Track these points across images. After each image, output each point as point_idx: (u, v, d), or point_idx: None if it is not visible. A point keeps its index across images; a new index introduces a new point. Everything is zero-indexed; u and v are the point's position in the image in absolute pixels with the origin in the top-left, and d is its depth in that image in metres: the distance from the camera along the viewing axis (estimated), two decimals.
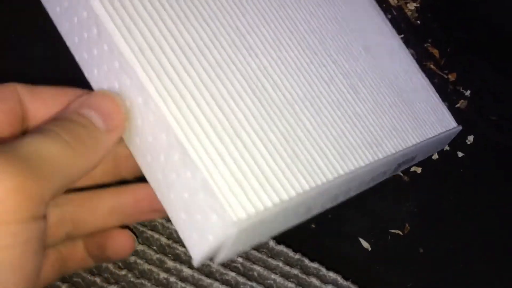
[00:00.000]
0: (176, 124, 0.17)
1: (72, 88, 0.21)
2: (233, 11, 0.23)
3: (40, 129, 0.16)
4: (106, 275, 0.26)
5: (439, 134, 0.31)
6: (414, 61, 0.35)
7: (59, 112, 0.19)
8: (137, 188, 0.22)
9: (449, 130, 0.32)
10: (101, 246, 0.22)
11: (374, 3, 0.35)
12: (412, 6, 0.36)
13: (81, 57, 0.19)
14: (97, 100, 0.18)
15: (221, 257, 0.17)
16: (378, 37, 0.33)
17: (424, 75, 0.35)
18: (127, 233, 0.22)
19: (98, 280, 0.26)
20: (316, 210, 0.22)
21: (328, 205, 0.23)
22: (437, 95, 0.34)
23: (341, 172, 0.22)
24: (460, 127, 0.34)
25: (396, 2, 0.36)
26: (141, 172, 0.19)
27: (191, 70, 0.19)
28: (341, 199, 0.24)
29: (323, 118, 0.23)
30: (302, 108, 0.23)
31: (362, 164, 0.23)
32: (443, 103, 0.34)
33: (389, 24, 0.35)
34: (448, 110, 0.34)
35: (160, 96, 0.17)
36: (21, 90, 0.20)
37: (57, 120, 0.17)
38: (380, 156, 0.25)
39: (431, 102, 0.33)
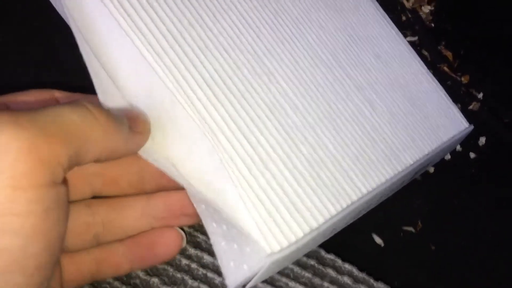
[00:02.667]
0: (221, 161, 0.17)
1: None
2: (249, 34, 0.24)
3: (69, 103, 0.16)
4: None
5: (453, 136, 0.32)
6: (423, 64, 0.35)
7: None
8: (169, 193, 0.22)
9: (462, 131, 0.33)
10: (150, 245, 0.22)
11: (380, 8, 0.35)
12: (426, 9, 0.37)
13: None
14: (127, 108, 0.18)
15: (252, 282, 0.18)
16: (386, 43, 0.33)
17: (433, 77, 0.35)
18: (176, 230, 0.22)
19: None
20: (339, 228, 0.23)
21: (351, 221, 0.23)
22: (448, 96, 0.35)
23: (364, 191, 0.22)
24: (472, 127, 0.34)
25: (411, 4, 0.37)
26: (166, 186, 0.20)
27: (218, 105, 0.19)
28: (363, 213, 0.24)
29: (343, 137, 0.24)
30: (323, 129, 0.23)
31: (383, 180, 0.24)
32: (454, 104, 0.35)
33: (396, 28, 0.35)
34: (459, 111, 0.35)
35: (191, 136, 0.18)
36: (59, 96, 0.21)
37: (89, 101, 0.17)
38: (399, 169, 0.26)
39: (442, 104, 0.34)
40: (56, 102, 0.20)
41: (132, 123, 0.18)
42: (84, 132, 0.15)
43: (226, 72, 0.21)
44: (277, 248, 0.17)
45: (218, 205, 0.18)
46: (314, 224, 0.19)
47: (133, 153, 0.18)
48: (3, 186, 0.12)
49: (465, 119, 0.34)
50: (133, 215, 0.22)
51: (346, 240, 0.25)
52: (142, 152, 0.19)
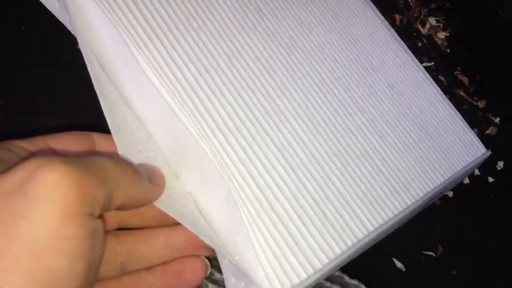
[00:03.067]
0: (216, 209, 0.19)
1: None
2: (262, 75, 0.25)
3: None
4: None
5: (468, 164, 0.32)
6: (439, 90, 0.35)
7: None
8: None
9: (478, 158, 0.33)
10: (177, 273, 0.23)
11: (395, 35, 0.36)
12: (442, 35, 0.38)
13: None
14: (145, 163, 0.21)
15: None
16: (401, 71, 0.34)
17: (450, 103, 0.35)
18: (201, 258, 0.24)
19: None
20: (345, 263, 0.23)
21: (357, 255, 0.24)
22: (464, 122, 0.35)
23: (371, 228, 0.23)
24: (489, 152, 0.34)
25: (427, 31, 0.37)
26: None
27: (230, 150, 0.21)
28: (370, 246, 0.25)
29: (351, 173, 0.25)
30: (331, 166, 0.24)
31: (391, 215, 0.25)
32: (471, 129, 0.35)
33: (411, 55, 0.36)
34: (476, 136, 0.35)
35: (200, 184, 0.19)
36: (97, 137, 0.23)
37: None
38: (409, 203, 0.26)
39: (458, 131, 0.34)
40: (94, 145, 0.22)
41: (151, 176, 0.20)
42: (115, 179, 0.18)
43: (239, 115, 0.22)
44: None
45: (230, 244, 0.19)
46: (318, 265, 0.20)
47: (149, 203, 0.20)
48: (57, 212, 0.15)
49: (482, 144, 0.35)
50: (157, 245, 0.24)
51: (368, 265, 0.25)
52: (159, 202, 0.21)
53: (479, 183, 0.33)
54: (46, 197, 0.15)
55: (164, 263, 0.23)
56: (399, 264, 0.28)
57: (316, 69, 0.28)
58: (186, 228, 0.24)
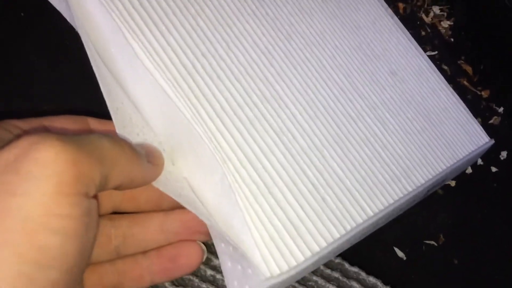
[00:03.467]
0: (214, 193, 0.19)
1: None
2: (261, 61, 0.25)
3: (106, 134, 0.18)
4: None
5: (471, 152, 0.32)
6: (442, 78, 0.35)
7: None
8: (184, 211, 0.23)
9: (481, 146, 0.33)
10: (173, 257, 0.23)
11: (399, 22, 0.36)
12: (445, 24, 0.37)
13: None
14: (144, 143, 0.20)
15: None
16: (404, 58, 0.34)
17: (453, 92, 0.35)
18: (197, 243, 0.24)
19: None
20: (344, 248, 0.23)
21: (356, 241, 0.24)
22: (468, 110, 0.35)
23: (371, 213, 0.23)
24: (493, 141, 0.34)
25: (430, 20, 0.37)
26: (179, 206, 0.21)
27: (227, 134, 0.21)
28: (370, 232, 0.25)
29: (352, 159, 0.25)
30: (331, 152, 0.24)
31: (391, 201, 0.25)
32: (474, 118, 0.35)
33: (415, 43, 0.35)
34: (479, 125, 0.34)
35: (199, 169, 0.19)
36: (92, 122, 0.23)
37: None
38: (409, 189, 0.26)
39: (461, 119, 0.34)
40: (90, 129, 0.22)
41: (149, 156, 0.20)
42: (113, 158, 0.17)
43: (237, 100, 0.22)
44: (276, 272, 0.18)
45: (226, 227, 0.19)
46: (316, 248, 0.20)
47: (148, 183, 0.20)
48: (51, 190, 0.15)
49: (485, 133, 0.34)
50: (152, 230, 0.24)
51: (368, 253, 0.25)
52: (158, 181, 0.21)
53: (482, 173, 0.33)
54: (40, 175, 0.14)
55: (159, 248, 0.23)
56: (400, 253, 0.28)
57: (317, 55, 0.28)
58: (181, 213, 0.24)
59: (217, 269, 0.27)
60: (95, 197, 0.17)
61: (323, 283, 0.27)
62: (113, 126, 0.22)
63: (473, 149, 0.32)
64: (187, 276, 0.27)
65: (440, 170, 0.29)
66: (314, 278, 0.28)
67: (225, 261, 0.20)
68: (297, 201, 0.21)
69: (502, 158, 0.34)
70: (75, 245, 0.15)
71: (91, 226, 0.16)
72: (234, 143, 0.21)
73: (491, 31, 0.37)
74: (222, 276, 0.27)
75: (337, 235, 0.21)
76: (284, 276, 0.18)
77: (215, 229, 0.20)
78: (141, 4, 0.22)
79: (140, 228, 0.24)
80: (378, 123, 0.28)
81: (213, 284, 0.27)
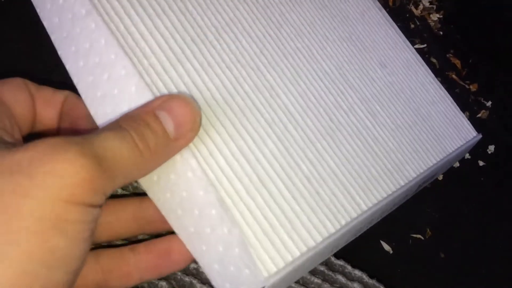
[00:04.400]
0: (218, 182, 0.18)
1: (69, 91, 0.22)
2: (252, 49, 0.24)
3: (115, 126, 0.17)
4: None
5: (459, 146, 0.31)
6: (430, 72, 0.35)
7: (138, 108, 0.19)
8: None
9: (469, 140, 0.33)
10: (164, 252, 0.22)
11: (387, 15, 0.35)
12: (435, 17, 0.37)
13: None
14: (174, 105, 0.18)
15: None
16: (392, 51, 0.33)
17: (441, 86, 0.35)
18: None
19: None
20: (341, 246, 0.23)
21: (351, 239, 0.23)
22: (455, 105, 0.35)
23: (365, 208, 0.22)
24: (480, 136, 0.34)
25: (420, 12, 0.37)
26: None
27: (218, 124, 0.19)
28: (365, 229, 0.24)
29: (344, 152, 0.24)
30: (324, 145, 0.23)
31: (385, 195, 0.24)
32: (462, 112, 0.35)
33: (403, 36, 0.35)
34: (467, 120, 0.34)
35: (194, 155, 0.18)
36: (29, 85, 0.22)
37: (132, 119, 0.18)
38: (402, 183, 0.25)
39: (449, 113, 0.33)
40: (29, 91, 0.21)
41: (178, 127, 0.18)
42: (130, 168, 0.17)
43: (227, 88, 0.21)
44: (273, 270, 0.17)
45: (216, 225, 0.18)
46: (312, 243, 0.19)
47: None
48: (64, 199, 0.15)
49: (473, 128, 0.34)
50: (124, 218, 0.23)
51: (354, 247, 0.25)
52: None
53: (470, 166, 0.33)
54: (54, 185, 0.15)
55: (148, 242, 0.22)
56: (386, 247, 0.27)
57: (307, 45, 0.27)
58: None
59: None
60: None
61: (308, 276, 0.27)
62: (48, 92, 0.21)
63: (461, 143, 0.32)
64: None
65: (431, 164, 0.28)
66: None
67: (211, 265, 0.18)
68: (291, 194, 0.20)
69: (489, 152, 0.34)
70: (81, 249, 0.16)
71: (90, 236, 0.16)
72: (226, 134, 0.19)
73: (480, 25, 0.37)
74: None
75: (332, 230, 0.20)
76: (281, 274, 0.17)
77: (195, 231, 0.19)
78: None
79: (114, 215, 0.23)
80: (369, 115, 0.27)
81: (196, 277, 0.26)
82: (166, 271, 0.22)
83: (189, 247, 0.19)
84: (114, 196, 0.26)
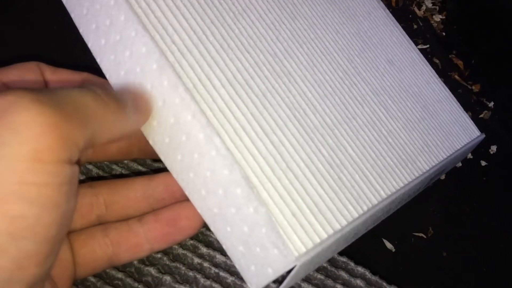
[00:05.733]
0: (244, 161, 0.17)
1: (87, 73, 0.22)
2: (269, 35, 0.24)
3: (77, 86, 0.16)
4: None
5: (465, 144, 0.31)
6: (434, 72, 0.35)
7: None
8: (168, 175, 0.22)
9: (474, 139, 0.33)
10: (171, 220, 0.21)
11: (391, 16, 0.36)
12: (438, 18, 0.38)
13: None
14: (130, 86, 0.18)
15: (285, 285, 0.17)
16: (398, 50, 0.33)
17: (444, 86, 0.35)
18: None
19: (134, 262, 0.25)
20: (361, 233, 0.22)
21: (371, 226, 0.23)
22: (459, 104, 0.35)
23: (384, 195, 0.22)
24: (483, 135, 0.34)
25: (423, 13, 0.37)
26: (152, 153, 0.19)
27: (241, 104, 0.19)
28: (382, 218, 0.24)
29: (361, 140, 0.24)
30: (342, 132, 0.23)
31: (402, 184, 0.24)
32: (465, 112, 0.35)
33: (406, 36, 0.35)
34: (470, 119, 0.35)
35: (219, 133, 0.17)
36: (43, 68, 0.21)
37: (96, 84, 0.17)
38: (416, 174, 0.25)
39: (454, 112, 0.34)
40: (41, 73, 0.21)
41: (136, 102, 0.18)
42: (98, 117, 0.15)
43: (248, 71, 0.21)
44: (303, 250, 0.17)
45: (241, 205, 0.17)
46: (338, 226, 0.19)
47: (135, 132, 0.18)
48: (26, 157, 0.13)
49: (476, 127, 0.34)
50: (134, 196, 0.22)
51: (357, 245, 0.24)
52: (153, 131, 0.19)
53: (472, 166, 0.33)
54: (14, 140, 0.13)
55: (155, 212, 0.21)
56: (389, 245, 0.27)
57: (320, 37, 0.27)
58: (166, 177, 0.22)
59: (204, 257, 0.26)
60: (78, 162, 0.15)
61: (311, 272, 0.26)
62: (65, 74, 0.20)
63: (467, 141, 0.32)
64: (173, 264, 0.25)
65: (441, 158, 0.28)
66: None
67: (234, 246, 0.18)
68: (315, 178, 0.19)
69: (491, 152, 0.34)
70: (53, 215, 0.14)
71: (72, 194, 0.15)
72: (249, 114, 0.19)
73: (483, 26, 0.38)
74: (210, 264, 0.25)
75: (355, 214, 0.20)
76: (310, 255, 0.17)
77: (220, 212, 0.18)
78: None
79: (122, 195, 0.22)
80: (382, 108, 0.27)
81: (200, 272, 0.25)
82: (176, 240, 0.22)
83: (213, 229, 0.18)
84: (119, 177, 0.26)
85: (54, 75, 0.21)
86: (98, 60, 0.19)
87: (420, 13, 0.37)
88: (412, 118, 0.29)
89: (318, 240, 0.17)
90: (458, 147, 0.31)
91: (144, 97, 0.18)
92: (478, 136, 0.34)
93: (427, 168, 0.26)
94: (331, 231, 0.18)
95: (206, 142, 0.18)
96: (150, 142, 0.19)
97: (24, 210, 0.13)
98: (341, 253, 0.26)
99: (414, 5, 0.37)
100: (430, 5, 0.38)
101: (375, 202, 0.21)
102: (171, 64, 0.18)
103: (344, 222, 0.19)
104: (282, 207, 0.17)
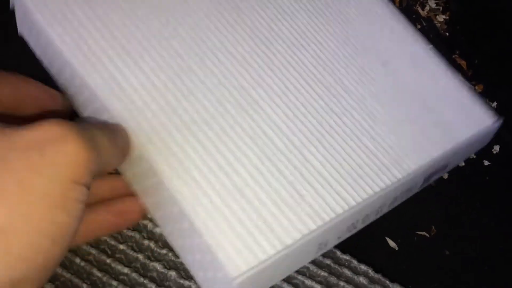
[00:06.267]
0: (181, 197, 0.20)
1: (35, 81, 0.24)
2: (236, 69, 0.26)
3: (94, 124, 0.21)
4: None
5: (472, 135, 0.31)
6: (444, 61, 0.35)
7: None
8: (116, 177, 0.24)
9: (486, 127, 0.32)
10: (121, 212, 0.24)
11: (394, 10, 0.35)
12: (441, 18, 0.38)
13: None
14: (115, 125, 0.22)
15: None
16: (398, 46, 0.34)
17: (456, 74, 0.34)
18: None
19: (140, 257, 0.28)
20: (333, 243, 0.24)
21: (347, 235, 0.25)
22: (473, 91, 0.34)
23: (353, 203, 0.24)
24: (501, 120, 0.33)
25: (426, 13, 0.38)
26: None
27: (197, 144, 0.22)
28: (360, 226, 0.25)
29: (335, 154, 0.25)
30: (312, 150, 0.25)
31: (377, 189, 0.25)
32: (481, 98, 0.34)
33: (411, 30, 0.35)
34: (486, 107, 0.34)
35: (167, 176, 0.21)
36: (59, 102, 0.24)
37: (105, 125, 0.21)
38: (400, 176, 0.26)
39: (463, 102, 0.33)
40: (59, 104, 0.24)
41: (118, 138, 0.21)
42: (108, 155, 0.20)
43: (208, 111, 0.23)
44: (243, 269, 0.19)
45: (190, 236, 0.20)
46: (288, 241, 0.21)
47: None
48: (69, 178, 0.17)
49: (492, 113, 0.33)
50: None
51: (360, 243, 0.26)
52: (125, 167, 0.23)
53: (475, 166, 0.33)
54: (63, 164, 0.17)
55: (106, 203, 0.24)
56: (391, 243, 0.28)
57: (298, 56, 0.29)
58: (111, 178, 0.25)
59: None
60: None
61: (315, 270, 0.28)
62: (13, 80, 0.23)
63: (475, 131, 0.31)
64: (178, 260, 0.28)
65: (436, 155, 0.28)
66: (306, 264, 0.28)
67: (197, 272, 0.21)
68: (270, 199, 0.22)
69: (494, 152, 0.33)
70: (76, 226, 0.18)
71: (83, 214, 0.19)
72: (204, 152, 0.22)
73: (486, 26, 0.38)
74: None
75: (313, 226, 0.22)
76: (252, 273, 0.19)
77: (183, 244, 0.21)
78: (112, 33, 0.24)
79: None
80: (365, 116, 0.28)
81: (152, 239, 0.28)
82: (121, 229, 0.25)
83: (182, 258, 0.21)
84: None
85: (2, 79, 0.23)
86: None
87: (423, 13, 0.38)
88: (405, 118, 0.29)
89: (262, 257, 0.20)
90: (462, 139, 0.30)
91: (125, 135, 0.22)
92: (494, 122, 0.33)
93: (415, 168, 0.27)
94: (279, 247, 0.20)
95: (157, 186, 0.21)
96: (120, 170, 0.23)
97: (64, 219, 0.17)
98: (344, 251, 0.27)
99: (417, 5, 0.38)
100: (433, 5, 0.38)
101: (340, 211, 0.23)
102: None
103: (297, 236, 0.21)
104: (226, 232, 0.20)
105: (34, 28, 0.25)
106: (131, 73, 0.23)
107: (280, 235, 0.21)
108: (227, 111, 0.24)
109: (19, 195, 0.16)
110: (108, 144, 0.20)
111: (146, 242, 0.28)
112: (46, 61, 0.25)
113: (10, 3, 0.25)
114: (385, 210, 0.27)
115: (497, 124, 0.33)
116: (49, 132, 0.17)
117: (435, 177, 0.30)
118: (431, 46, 0.36)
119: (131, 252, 0.28)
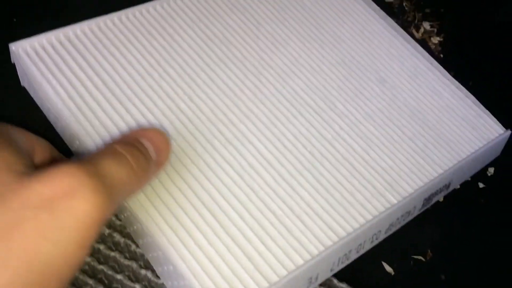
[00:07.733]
0: (167, 242, 0.21)
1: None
2: (225, 104, 0.27)
3: (110, 149, 0.19)
4: None
5: (478, 149, 0.30)
6: (446, 75, 0.34)
7: (125, 135, 0.21)
8: None
9: (493, 140, 0.31)
10: None
11: (393, 24, 0.35)
12: (435, 40, 0.38)
13: None
14: (152, 134, 0.21)
15: None
16: (396, 62, 0.33)
17: (460, 86, 0.34)
18: None
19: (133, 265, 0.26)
20: (324, 276, 0.24)
21: (340, 267, 0.25)
22: (478, 103, 0.33)
23: (343, 234, 0.24)
24: (509, 132, 0.32)
25: (421, 35, 0.38)
26: None
27: (181, 182, 0.23)
28: (354, 256, 0.25)
29: (325, 183, 0.25)
30: (300, 181, 0.25)
31: (370, 217, 0.25)
32: (486, 111, 0.33)
33: (413, 42, 0.35)
34: (492, 117, 0.33)
35: (148, 221, 0.21)
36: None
37: (126, 144, 0.20)
38: (394, 201, 0.26)
39: (468, 115, 0.32)
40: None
41: (159, 153, 0.21)
42: (127, 189, 0.19)
43: (196, 149, 0.24)
44: None
45: (176, 279, 0.21)
46: (275, 278, 0.21)
47: None
48: (88, 224, 0.17)
49: (500, 125, 0.32)
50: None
51: (356, 268, 0.26)
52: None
53: (470, 188, 0.33)
54: (73, 227, 0.16)
55: None
56: (388, 268, 0.28)
57: (289, 84, 0.29)
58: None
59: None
60: None
61: None
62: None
63: (481, 144, 0.31)
64: None
65: (435, 175, 0.28)
66: None
67: None
68: (257, 236, 0.22)
69: (489, 174, 0.34)
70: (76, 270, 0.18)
71: None
72: (189, 190, 0.23)
73: (480, 47, 0.39)
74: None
75: (300, 262, 0.22)
76: None
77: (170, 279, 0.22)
78: (104, 81, 0.25)
79: None
80: (359, 139, 0.28)
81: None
82: None
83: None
84: None
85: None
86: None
87: (418, 35, 0.38)
88: (402, 139, 0.29)
89: None
90: (465, 155, 0.30)
91: (165, 148, 0.21)
92: (501, 134, 0.32)
93: (411, 191, 0.26)
94: (265, 285, 0.21)
95: (143, 230, 0.22)
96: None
97: (69, 276, 0.17)
98: (340, 279, 0.27)
99: (412, 27, 0.38)
100: (428, 27, 0.38)
101: (329, 243, 0.23)
102: None
103: (283, 273, 0.21)
104: (211, 275, 0.20)
105: (32, 81, 0.26)
106: (120, 118, 0.24)
107: (266, 273, 0.21)
108: (214, 148, 0.25)
109: (22, 259, 0.16)
110: (122, 173, 0.18)
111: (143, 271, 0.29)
112: (44, 109, 0.27)
113: (11, 58, 0.27)
114: (382, 237, 0.26)
115: (506, 135, 0.32)
116: (60, 185, 0.16)
117: (438, 197, 0.30)
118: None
119: (128, 283, 0.29)
